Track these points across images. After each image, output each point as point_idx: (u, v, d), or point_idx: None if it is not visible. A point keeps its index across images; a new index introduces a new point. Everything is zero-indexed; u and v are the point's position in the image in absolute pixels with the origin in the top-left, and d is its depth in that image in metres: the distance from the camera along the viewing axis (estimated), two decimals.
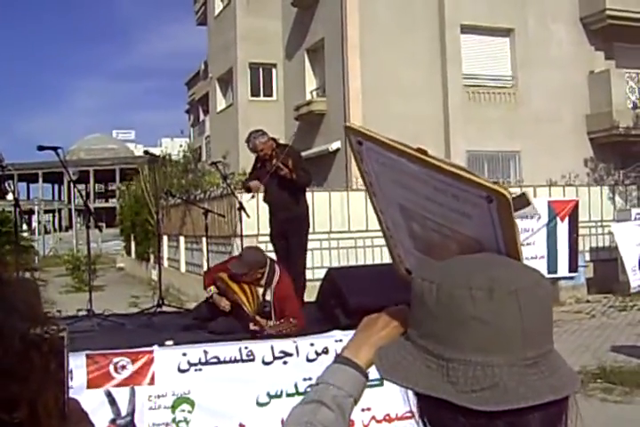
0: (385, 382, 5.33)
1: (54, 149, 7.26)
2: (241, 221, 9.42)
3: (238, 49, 26.99)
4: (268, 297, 6.58)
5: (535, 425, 1.06)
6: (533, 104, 21.39)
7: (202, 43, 35.69)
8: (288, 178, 8.09)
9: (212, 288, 6.68)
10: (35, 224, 57.67)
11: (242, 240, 9.29)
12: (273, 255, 8.19)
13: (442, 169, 1.19)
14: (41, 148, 7.28)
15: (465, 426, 1.06)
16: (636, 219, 15.32)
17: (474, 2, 21.00)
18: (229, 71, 28.31)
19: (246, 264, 6.48)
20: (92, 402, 4.96)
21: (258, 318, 6.31)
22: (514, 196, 1.16)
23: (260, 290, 6.56)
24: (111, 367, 5.26)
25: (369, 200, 1.44)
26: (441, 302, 1.08)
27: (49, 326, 0.83)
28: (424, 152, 1.22)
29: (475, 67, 21.52)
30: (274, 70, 27.09)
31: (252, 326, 6.27)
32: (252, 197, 8.61)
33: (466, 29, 21.24)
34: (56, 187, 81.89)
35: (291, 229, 8.40)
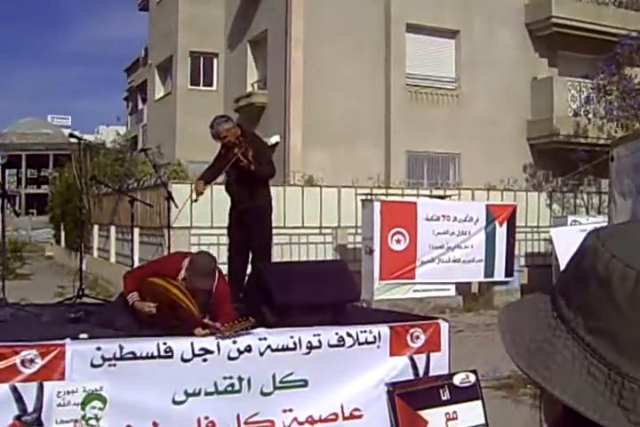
0: (309, 382, 4.96)
1: None
2: (169, 212, 9.09)
3: (179, 36, 26.55)
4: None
5: None
6: (476, 107, 21.39)
7: (143, 29, 35.14)
8: (247, 169, 7.80)
9: (135, 295, 6.08)
10: None
11: (169, 231, 8.97)
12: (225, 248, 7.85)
13: None
14: None
15: None
16: (571, 225, 15.39)
17: (421, 1, 20.93)
18: (169, 59, 27.84)
19: (211, 276, 6.02)
20: None
21: (206, 320, 5.76)
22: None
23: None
24: (18, 361, 4.90)
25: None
26: (637, 300, 0.81)
27: None
28: None
29: (418, 67, 21.43)
30: (215, 60, 26.69)
31: (199, 331, 5.65)
32: (195, 200, 8.17)
33: (411, 28, 21.14)
34: None
35: (250, 220, 8.05)
